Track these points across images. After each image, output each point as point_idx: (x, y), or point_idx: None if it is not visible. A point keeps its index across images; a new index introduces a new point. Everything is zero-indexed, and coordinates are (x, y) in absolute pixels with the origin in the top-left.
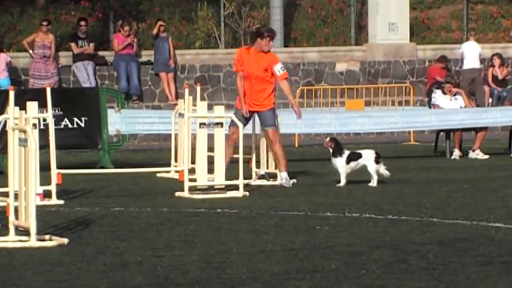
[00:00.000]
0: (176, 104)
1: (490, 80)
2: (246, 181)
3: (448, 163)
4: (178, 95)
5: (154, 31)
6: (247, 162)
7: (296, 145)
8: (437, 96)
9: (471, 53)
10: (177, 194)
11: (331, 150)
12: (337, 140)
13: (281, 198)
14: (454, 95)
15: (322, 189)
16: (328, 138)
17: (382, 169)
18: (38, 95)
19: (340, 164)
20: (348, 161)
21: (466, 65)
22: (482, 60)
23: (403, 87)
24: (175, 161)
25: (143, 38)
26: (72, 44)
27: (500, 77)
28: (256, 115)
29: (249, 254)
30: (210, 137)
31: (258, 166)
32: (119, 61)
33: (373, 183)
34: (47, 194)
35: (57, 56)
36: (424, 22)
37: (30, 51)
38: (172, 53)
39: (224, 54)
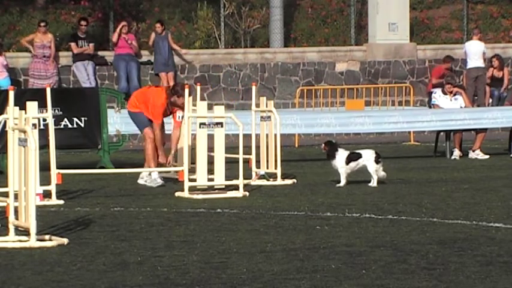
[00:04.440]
0: None
1: (488, 80)
2: (246, 181)
3: (448, 163)
4: None
5: (151, 42)
6: (247, 162)
7: (296, 145)
8: (438, 96)
9: (474, 52)
10: (177, 194)
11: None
12: (331, 142)
13: (281, 198)
14: (454, 95)
15: (322, 189)
16: (323, 145)
17: (380, 170)
18: (38, 95)
19: (340, 164)
20: (348, 161)
21: (470, 64)
22: (485, 60)
23: (403, 87)
24: (176, 161)
25: (143, 38)
26: (72, 44)
27: (505, 82)
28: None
29: (249, 254)
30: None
31: (258, 166)
32: (119, 61)
33: (373, 183)
34: (47, 194)
35: (57, 56)
36: (424, 22)
37: (31, 48)
38: (174, 48)
39: (224, 54)
